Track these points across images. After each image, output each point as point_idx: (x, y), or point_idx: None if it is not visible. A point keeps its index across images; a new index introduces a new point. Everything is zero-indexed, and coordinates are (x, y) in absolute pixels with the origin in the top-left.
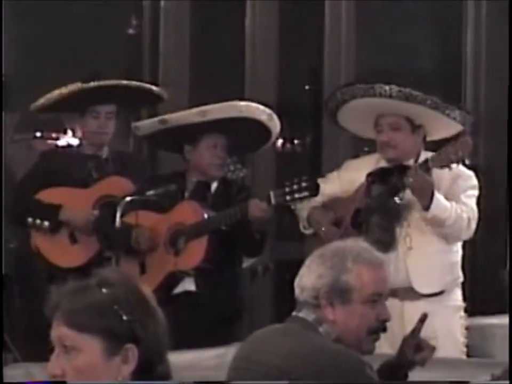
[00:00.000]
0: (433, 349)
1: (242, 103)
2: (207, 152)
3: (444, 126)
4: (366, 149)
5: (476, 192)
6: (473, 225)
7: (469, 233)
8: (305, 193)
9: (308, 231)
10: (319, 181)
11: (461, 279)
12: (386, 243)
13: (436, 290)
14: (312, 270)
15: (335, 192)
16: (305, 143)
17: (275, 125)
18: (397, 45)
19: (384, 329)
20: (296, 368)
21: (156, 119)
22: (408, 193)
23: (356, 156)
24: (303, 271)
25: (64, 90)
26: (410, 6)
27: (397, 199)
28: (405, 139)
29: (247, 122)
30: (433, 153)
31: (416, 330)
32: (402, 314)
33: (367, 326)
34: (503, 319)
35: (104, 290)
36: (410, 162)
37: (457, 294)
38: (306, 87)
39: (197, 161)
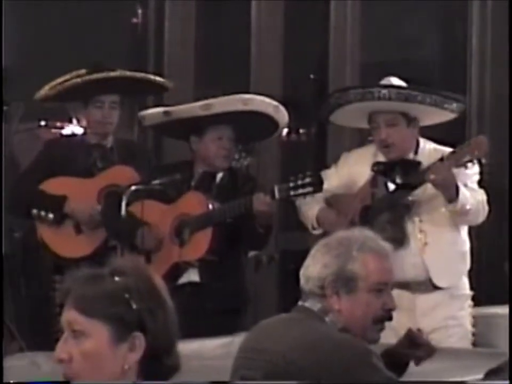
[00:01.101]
0: (432, 351)
1: (247, 96)
2: (212, 144)
3: (438, 116)
4: (370, 138)
5: (478, 177)
6: (486, 206)
7: (484, 215)
8: (309, 189)
9: (317, 232)
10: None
11: (468, 266)
12: (399, 240)
13: (454, 282)
14: (317, 260)
15: (334, 188)
16: (310, 133)
17: (282, 116)
18: (402, 36)
19: (390, 318)
20: (302, 357)
21: (160, 110)
22: (417, 189)
23: (361, 144)
24: (308, 261)
25: (67, 80)
26: None
27: (406, 198)
28: (402, 134)
29: (253, 115)
30: (432, 144)
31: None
32: (414, 306)
33: (373, 315)
34: (507, 309)
35: (116, 278)
36: (410, 155)
37: (465, 283)
38: (311, 77)
39: (203, 152)
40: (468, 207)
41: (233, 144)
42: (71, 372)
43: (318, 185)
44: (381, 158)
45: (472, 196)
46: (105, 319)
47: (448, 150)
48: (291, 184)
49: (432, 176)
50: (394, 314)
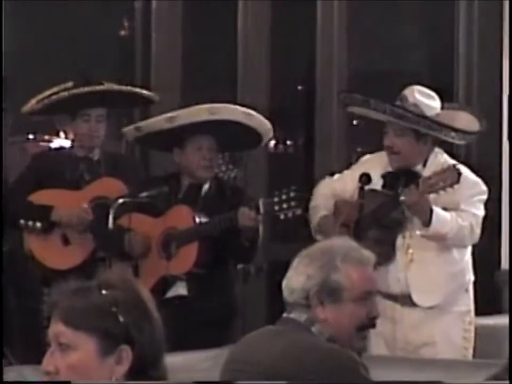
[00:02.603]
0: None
1: (214, 105)
2: (193, 155)
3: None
4: (359, 149)
5: (482, 197)
6: (477, 230)
7: (473, 239)
8: (293, 204)
9: (320, 237)
10: (335, 177)
11: (470, 281)
12: (386, 256)
13: (435, 302)
14: (300, 271)
15: (346, 190)
16: (297, 144)
17: (259, 123)
18: (389, 43)
19: (373, 326)
20: (289, 368)
21: (132, 126)
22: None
23: (348, 156)
24: (291, 272)
25: (54, 93)
26: (402, 5)
27: (397, 213)
28: (409, 146)
29: (227, 124)
30: (445, 155)
31: None
32: (402, 319)
33: (357, 323)
34: (499, 320)
35: (103, 291)
36: (418, 167)
37: (462, 299)
38: (299, 88)
39: (185, 164)
40: (443, 232)
41: (215, 154)
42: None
43: (301, 201)
44: (390, 168)
45: (455, 219)
46: (92, 332)
47: (455, 163)
48: (275, 199)
49: (402, 199)
50: (386, 325)
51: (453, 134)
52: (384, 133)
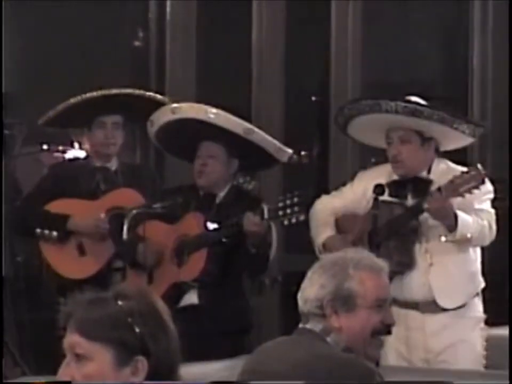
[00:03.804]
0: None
1: (175, 104)
2: (196, 162)
3: (453, 138)
4: (373, 160)
5: (490, 196)
6: (494, 227)
7: (491, 236)
8: (296, 209)
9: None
10: (332, 194)
11: (482, 285)
12: (406, 264)
13: (459, 303)
14: (314, 281)
15: (348, 206)
16: (312, 155)
17: (226, 120)
18: (404, 55)
19: (389, 332)
20: (305, 377)
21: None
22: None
23: (363, 167)
24: (305, 283)
25: (69, 101)
26: (416, 16)
27: (415, 220)
28: (414, 152)
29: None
30: (448, 162)
31: None
32: (423, 326)
33: (372, 331)
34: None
35: (119, 302)
36: (423, 174)
37: (478, 305)
38: (313, 98)
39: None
40: (468, 235)
41: (212, 160)
42: None
43: (306, 205)
44: (396, 177)
45: (476, 220)
46: (108, 343)
47: (460, 169)
48: (280, 205)
49: (427, 206)
50: (406, 334)
51: (465, 126)
52: (388, 144)
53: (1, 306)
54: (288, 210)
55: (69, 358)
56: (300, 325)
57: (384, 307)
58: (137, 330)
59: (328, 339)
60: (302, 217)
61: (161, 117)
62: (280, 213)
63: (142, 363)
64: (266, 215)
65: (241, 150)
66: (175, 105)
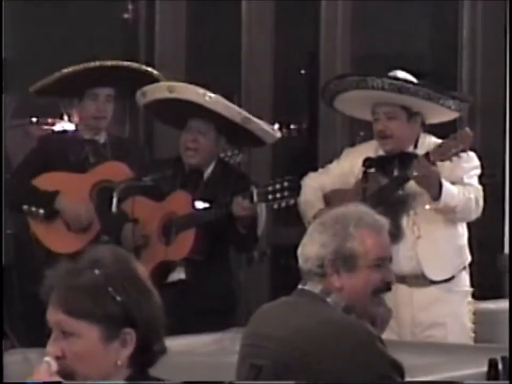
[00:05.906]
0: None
1: (173, 83)
2: (182, 138)
3: (440, 113)
4: (361, 133)
5: (478, 171)
6: (481, 203)
7: (478, 212)
8: (286, 193)
9: None
10: (319, 171)
11: (469, 259)
12: (393, 235)
13: (447, 276)
14: (315, 239)
15: (335, 182)
16: (301, 128)
17: (215, 103)
18: (393, 29)
19: (389, 289)
20: (306, 342)
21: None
22: (411, 183)
23: (352, 140)
24: (305, 239)
25: (65, 70)
26: None
27: (400, 192)
28: (401, 128)
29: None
30: (433, 138)
31: None
32: (411, 300)
33: (373, 289)
34: (500, 304)
35: (96, 271)
36: (409, 149)
37: (465, 279)
38: (302, 72)
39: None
40: (452, 204)
41: (201, 136)
42: (65, 368)
43: (295, 189)
44: (382, 153)
45: (462, 192)
46: (93, 319)
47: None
48: (269, 188)
49: (414, 173)
50: (393, 308)
51: (450, 101)
52: (374, 119)
53: (1, 296)
54: (278, 195)
55: (56, 334)
56: (300, 286)
57: (385, 265)
58: (118, 299)
59: (329, 299)
60: (291, 202)
61: (157, 92)
62: (270, 196)
63: (130, 335)
64: (255, 199)
65: (232, 130)
66: (172, 83)
